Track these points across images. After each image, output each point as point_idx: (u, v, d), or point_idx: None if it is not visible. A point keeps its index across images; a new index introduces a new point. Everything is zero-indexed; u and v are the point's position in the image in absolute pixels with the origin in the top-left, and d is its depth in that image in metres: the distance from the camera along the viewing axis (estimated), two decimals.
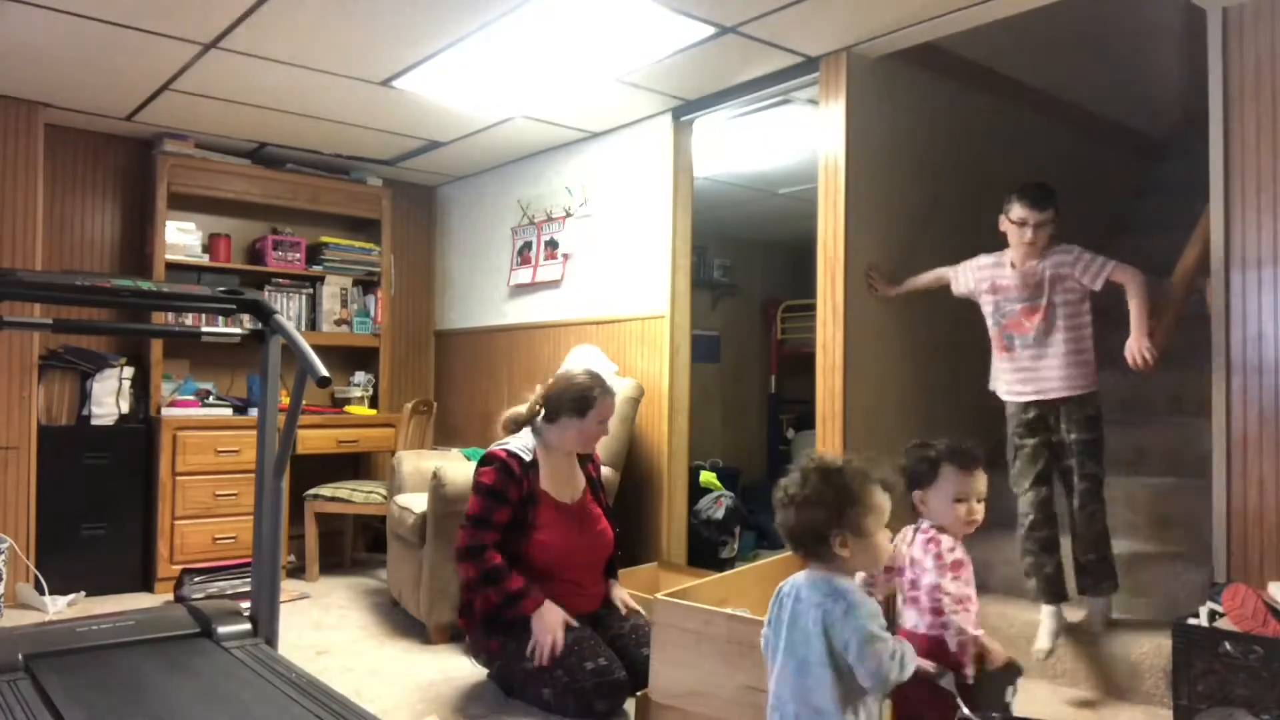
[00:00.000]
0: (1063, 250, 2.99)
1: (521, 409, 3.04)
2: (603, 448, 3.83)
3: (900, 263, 3.58)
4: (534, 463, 2.97)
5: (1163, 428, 3.65)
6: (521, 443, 3.00)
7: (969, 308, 3.20)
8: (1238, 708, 2.22)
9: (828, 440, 3.40)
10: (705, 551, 4.34)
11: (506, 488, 2.88)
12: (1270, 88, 2.85)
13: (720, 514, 4.47)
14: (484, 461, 2.96)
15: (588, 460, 3.15)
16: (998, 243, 3.10)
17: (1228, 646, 2.50)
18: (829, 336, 3.43)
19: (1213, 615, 2.64)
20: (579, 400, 2.94)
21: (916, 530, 2.23)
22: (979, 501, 2.18)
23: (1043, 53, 4.16)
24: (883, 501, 1.78)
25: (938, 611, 2.11)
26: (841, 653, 1.70)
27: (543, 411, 3.00)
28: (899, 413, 3.57)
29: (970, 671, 2.11)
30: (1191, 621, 2.65)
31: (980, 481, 2.18)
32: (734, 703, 2.24)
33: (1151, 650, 2.82)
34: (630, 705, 2.67)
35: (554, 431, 3.00)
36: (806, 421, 6.39)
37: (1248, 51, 2.90)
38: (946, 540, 2.16)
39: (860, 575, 2.03)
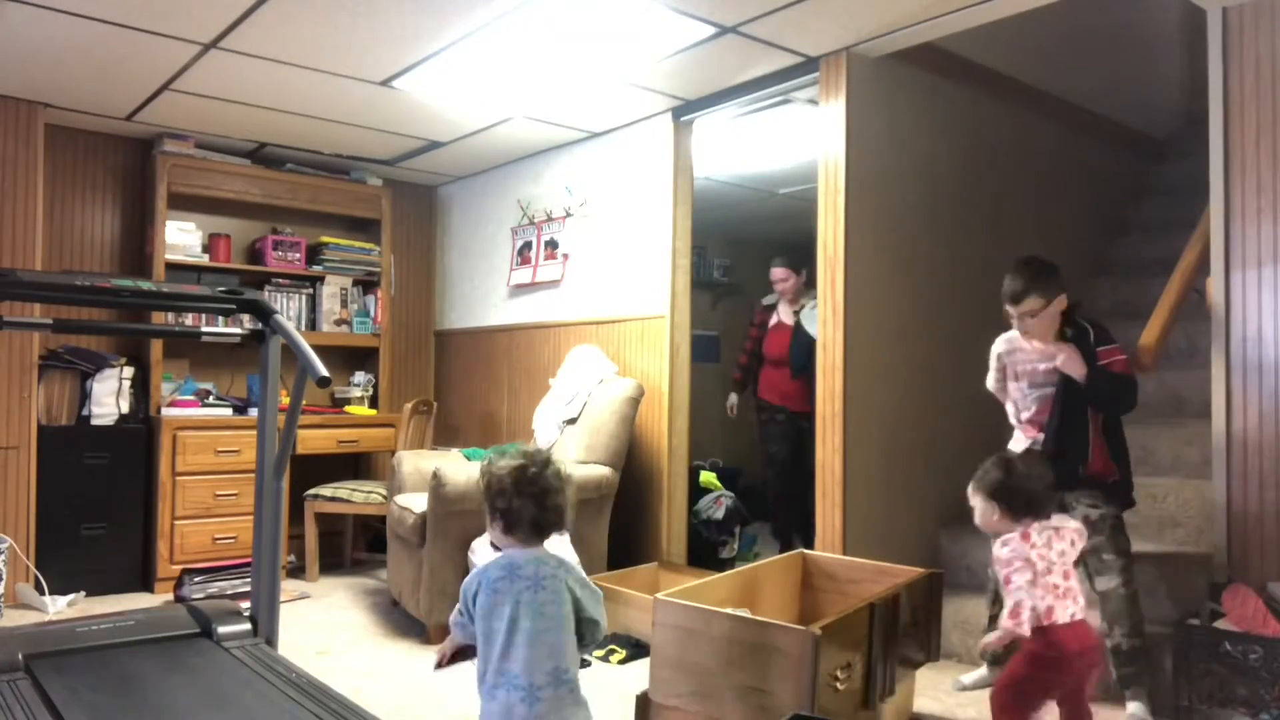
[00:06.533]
0: None
1: None
2: (602, 448, 3.84)
3: (900, 263, 3.59)
4: None
5: (1164, 427, 3.65)
6: None
7: (968, 307, 3.19)
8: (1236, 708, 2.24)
9: (828, 440, 3.40)
10: (705, 551, 4.34)
11: None
12: (1270, 88, 2.85)
13: (720, 514, 4.47)
14: None
15: None
16: (997, 241, 3.09)
17: (1228, 646, 2.51)
18: (829, 336, 3.43)
19: (1213, 615, 2.65)
20: None
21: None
22: None
23: (1043, 53, 4.16)
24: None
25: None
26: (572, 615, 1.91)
27: None
28: (899, 413, 3.57)
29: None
30: (1191, 622, 2.65)
31: None
32: (734, 703, 2.24)
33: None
34: (630, 704, 2.67)
35: None
36: None
37: (1248, 51, 2.90)
38: None
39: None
